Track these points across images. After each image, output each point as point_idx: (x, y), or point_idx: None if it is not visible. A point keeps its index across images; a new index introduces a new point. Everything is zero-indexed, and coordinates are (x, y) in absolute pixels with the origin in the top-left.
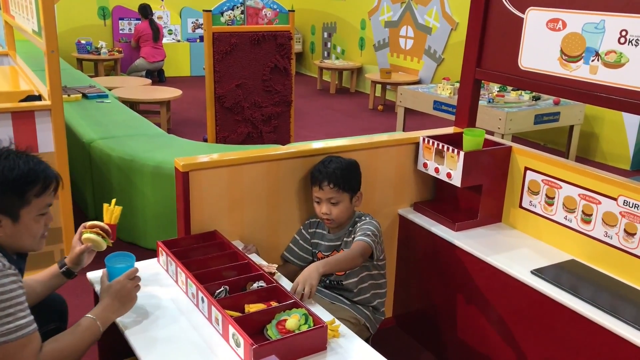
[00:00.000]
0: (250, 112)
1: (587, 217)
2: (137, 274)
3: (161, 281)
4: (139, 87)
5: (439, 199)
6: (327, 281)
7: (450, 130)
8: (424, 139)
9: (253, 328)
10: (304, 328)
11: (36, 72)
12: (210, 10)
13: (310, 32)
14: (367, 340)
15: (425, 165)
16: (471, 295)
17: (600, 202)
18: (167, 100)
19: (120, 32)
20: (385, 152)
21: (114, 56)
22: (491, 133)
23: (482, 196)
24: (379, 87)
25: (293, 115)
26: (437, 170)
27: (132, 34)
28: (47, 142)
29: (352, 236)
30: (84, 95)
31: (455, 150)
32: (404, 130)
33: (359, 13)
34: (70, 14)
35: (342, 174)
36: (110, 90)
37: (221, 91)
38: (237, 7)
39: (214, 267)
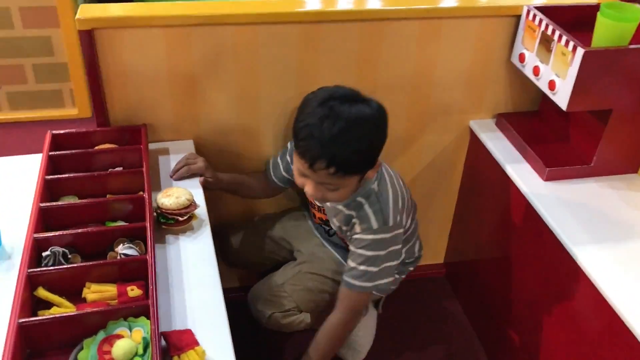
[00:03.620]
0: None
1: None
2: None
3: None
4: None
5: (541, 115)
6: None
7: None
8: (528, 12)
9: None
10: None
11: None
12: None
13: None
14: (376, 304)
15: (521, 57)
16: (544, 298)
17: None
18: None
19: None
20: (458, 25)
21: None
22: None
23: (607, 128)
24: None
25: None
26: (536, 71)
27: None
28: None
29: (348, 231)
30: None
31: (571, 44)
32: None
33: None
34: None
35: (353, 151)
36: None
37: None
38: None
39: (98, 191)
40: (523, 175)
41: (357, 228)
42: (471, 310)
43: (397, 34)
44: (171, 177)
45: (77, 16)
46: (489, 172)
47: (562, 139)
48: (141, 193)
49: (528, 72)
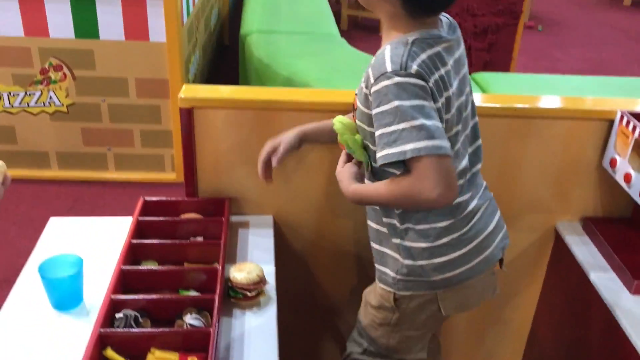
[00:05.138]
0: (459, 21)
1: None
2: None
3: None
4: None
5: (633, 223)
6: None
7: None
8: (622, 117)
9: None
10: None
11: None
12: None
13: None
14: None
15: (613, 162)
16: None
17: None
18: None
19: None
20: (547, 125)
21: None
22: None
23: None
24: None
25: (520, 30)
26: (628, 178)
27: None
28: (158, 30)
29: (364, 89)
30: None
31: None
32: None
33: None
34: None
35: None
36: None
37: None
38: None
39: (177, 258)
40: (608, 285)
41: (370, 79)
42: None
43: (485, 130)
44: (264, 178)
45: (180, 95)
46: (572, 278)
47: None
48: (215, 265)
49: (619, 178)
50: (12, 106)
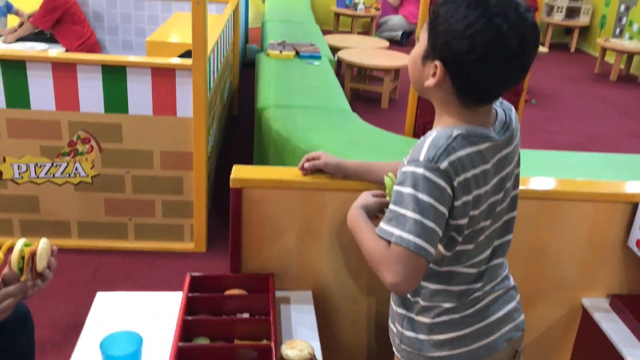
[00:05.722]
0: None
1: None
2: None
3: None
4: (369, 50)
5: None
6: None
7: None
8: None
9: None
10: None
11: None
12: None
13: (604, 3)
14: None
15: (639, 243)
16: None
17: None
18: (392, 69)
19: None
20: (574, 207)
21: (370, 13)
22: None
23: None
24: None
25: (522, 106)
26: None
27: None
28: (186, 106)
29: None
30: (297, 54)
31: None
32: None
33: None
34: None
35: (440, 4)
36: (339, 49)
37: None
38: None
39: (227, 334)
40: None
41: (407, 158)
42: None
43: (517, 211)
44: (301, 170)
45: (232, 176)
46: (602, 354)
47: None
48: (267, 342)
49: None
50: (38, 177)
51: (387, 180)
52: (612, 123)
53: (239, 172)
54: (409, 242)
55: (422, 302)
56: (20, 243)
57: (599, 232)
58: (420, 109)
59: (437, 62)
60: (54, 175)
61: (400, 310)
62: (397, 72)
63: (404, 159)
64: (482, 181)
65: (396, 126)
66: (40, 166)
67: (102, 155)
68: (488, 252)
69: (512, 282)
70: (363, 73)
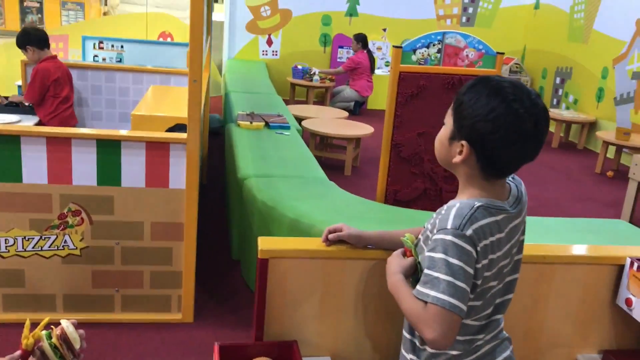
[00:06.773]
0: (431, 166)
1: None
2: None
3: None
4: (330, 120)
5: None
6: None
7: None
8: (632, 263)
9: None
10: None
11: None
12: (400, 47)
13: (541, 75)
14: None
15: (629, 302)
16: None
17: None
18: (354, 138)
19: (339, 60)
20: (567, 270)
21: (325, 84)
22: None
23: None
24: (612, 148)
25: None
26: None
27: (345, 62)
28: (178, 178)
29: (428, 231)
30: (267, 124)
31: None
32: (633, 211)
33: (602, 60)
34: (294, 38)
35: (463, 93)
36: (302, 120)
37: (400, 138)
38: (434, 45)
39: None
40: None
41: (436, 227)
42: None
43: None
44: (324, 242)
45: (260, 247)
46: None
47: None
48: None
49: (637, 315)
50: (25, 250)
51: (405, 240)
52: (561, 189)
53: (266, 244)
54: (444, 302)
55: (430, 350)
56: (44, 337)
57: (590, 293)
58: (390, 177)
59: (464, 142)
60: (41, 248)
61: (411, 356)
62: (358, 141)
63: (426, 224)
64: (497, 247)
65: (362, 192)
66: (28, 239)
67: (93, 227)
68: (491, 308)
69: (505, 334)
70: (325, 141)
